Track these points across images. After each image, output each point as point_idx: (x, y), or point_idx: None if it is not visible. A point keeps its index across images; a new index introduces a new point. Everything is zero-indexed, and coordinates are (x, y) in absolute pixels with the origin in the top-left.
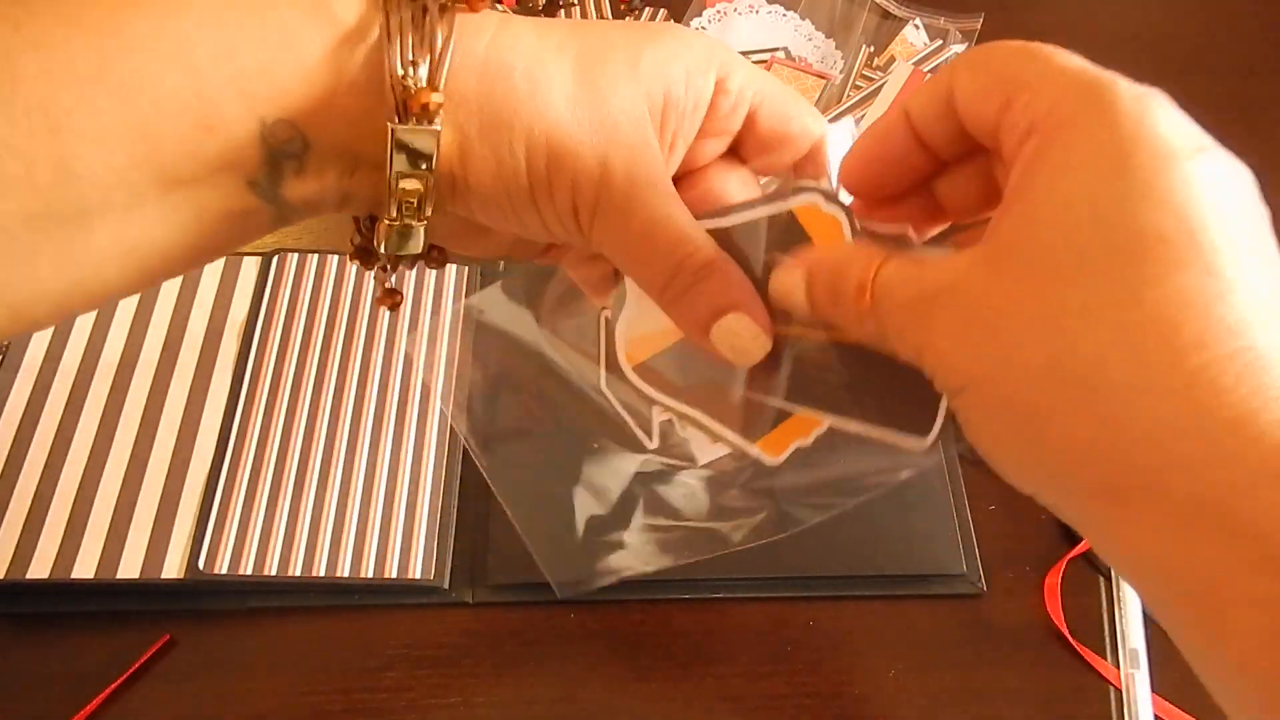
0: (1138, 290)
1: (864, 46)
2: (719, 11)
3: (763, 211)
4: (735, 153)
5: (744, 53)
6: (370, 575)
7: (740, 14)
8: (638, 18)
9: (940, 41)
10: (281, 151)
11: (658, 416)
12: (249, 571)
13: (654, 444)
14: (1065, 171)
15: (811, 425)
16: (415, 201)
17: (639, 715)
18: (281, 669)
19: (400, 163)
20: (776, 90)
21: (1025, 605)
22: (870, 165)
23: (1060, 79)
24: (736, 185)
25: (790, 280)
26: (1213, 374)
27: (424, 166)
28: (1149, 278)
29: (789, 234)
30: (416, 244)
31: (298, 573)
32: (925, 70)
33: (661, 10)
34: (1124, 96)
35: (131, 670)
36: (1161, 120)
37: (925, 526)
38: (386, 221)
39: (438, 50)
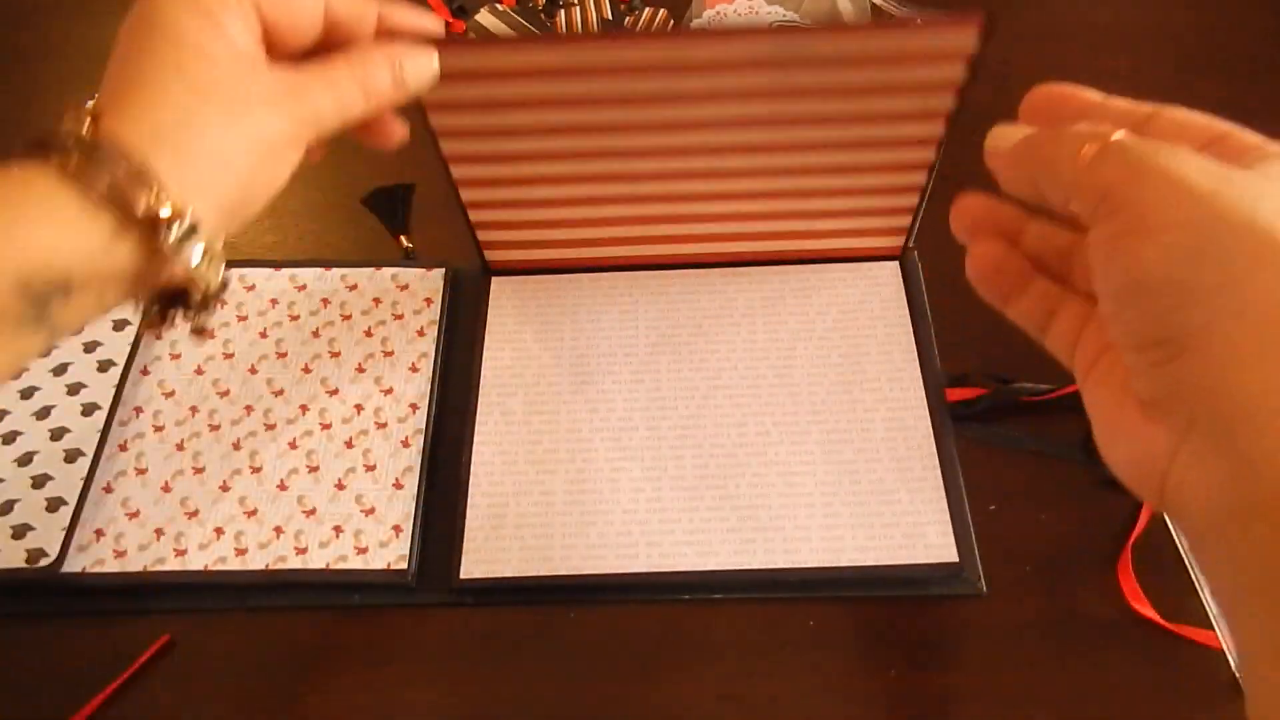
0: None
1: None
2: (718, 12)
3: None
4: None
5: None
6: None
7: (739, 14)
8: (637, 19)
9: None
10: (44, 294)
11: None
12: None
13: None
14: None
15: None
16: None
17: (639, 715)
18: (281, 669)
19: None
20: None
21: (1025, 605)
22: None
23: None
24: None
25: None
26: None
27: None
28: None
29: None
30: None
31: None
32: None
33: (661, 10)
34: None
35: (131, 670)
36: None
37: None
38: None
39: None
